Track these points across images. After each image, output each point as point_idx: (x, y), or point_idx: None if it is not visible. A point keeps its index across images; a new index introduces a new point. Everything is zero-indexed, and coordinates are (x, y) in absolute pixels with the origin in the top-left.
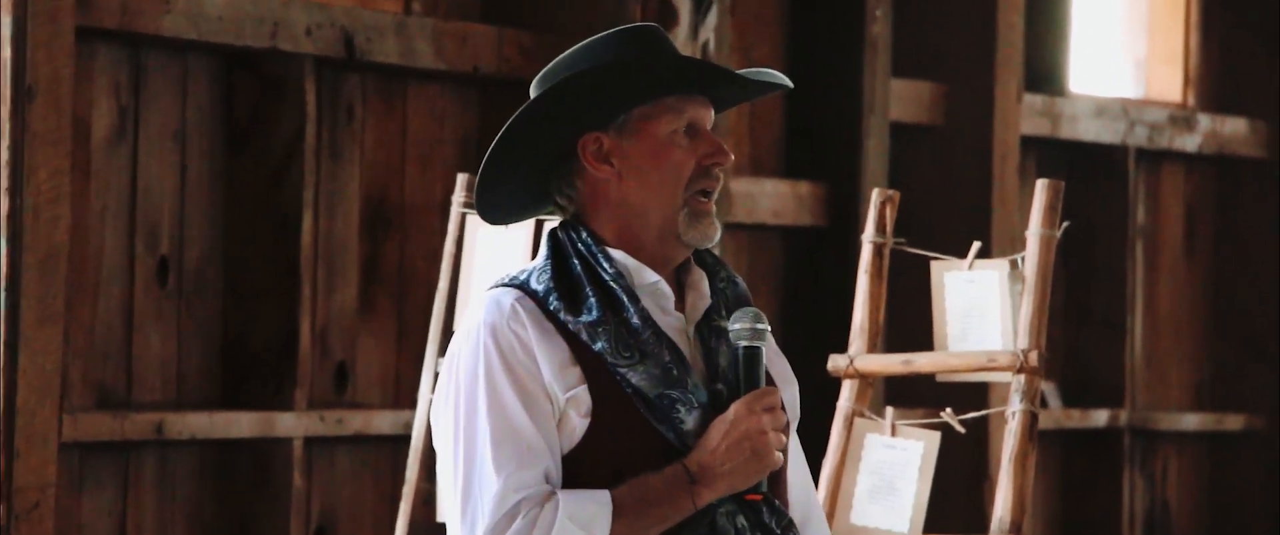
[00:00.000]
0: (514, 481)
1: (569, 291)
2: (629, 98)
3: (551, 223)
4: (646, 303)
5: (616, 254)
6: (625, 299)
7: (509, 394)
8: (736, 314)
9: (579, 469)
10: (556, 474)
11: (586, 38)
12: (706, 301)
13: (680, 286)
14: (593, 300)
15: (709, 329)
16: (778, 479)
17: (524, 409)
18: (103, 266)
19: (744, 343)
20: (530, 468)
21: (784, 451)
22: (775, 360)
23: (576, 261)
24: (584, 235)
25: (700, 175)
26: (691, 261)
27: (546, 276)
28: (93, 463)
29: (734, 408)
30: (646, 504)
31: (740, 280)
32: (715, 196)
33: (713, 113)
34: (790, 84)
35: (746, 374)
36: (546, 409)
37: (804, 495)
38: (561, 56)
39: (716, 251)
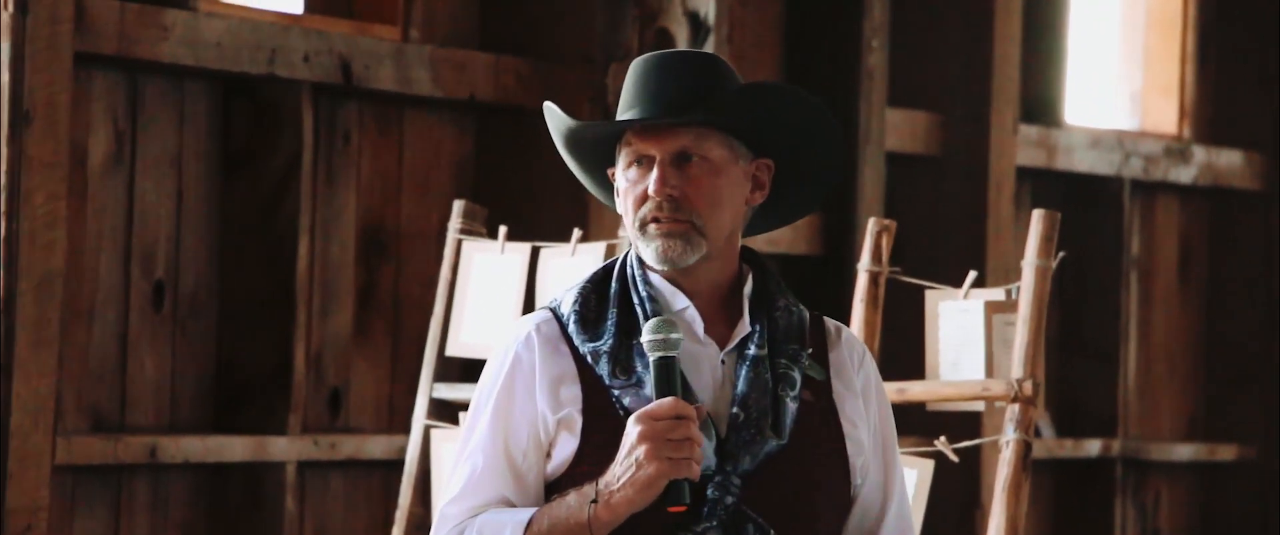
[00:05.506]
0: (454, 508)
1: (593, 313)
2: (607, 142)
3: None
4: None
5: (656, 278)
6: (642, 323)
7: (488, 421)
8: (646, 325)
9: (572, 489)
10: (523, 501)
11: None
12: (744, 330)
13: (738, 313)
14: (610, 323)
15: (739, 356)
16: (766, 497)
17: (500, 437)
18: (98, 290)
19: (655, 354)
20: (475, 496)
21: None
22: (848, 400)
23: (616, 283)
24: (635, 259)
25: (641, 205)
26: (749, 288)
27: (575, 297)
28: (86, 486)
29: (629, 421)
30: (554, 521)
31: (802, 310)
32: (682, 218)
33: (685, 139)
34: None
35: (657, 385)
36: (522, 436)
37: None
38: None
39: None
